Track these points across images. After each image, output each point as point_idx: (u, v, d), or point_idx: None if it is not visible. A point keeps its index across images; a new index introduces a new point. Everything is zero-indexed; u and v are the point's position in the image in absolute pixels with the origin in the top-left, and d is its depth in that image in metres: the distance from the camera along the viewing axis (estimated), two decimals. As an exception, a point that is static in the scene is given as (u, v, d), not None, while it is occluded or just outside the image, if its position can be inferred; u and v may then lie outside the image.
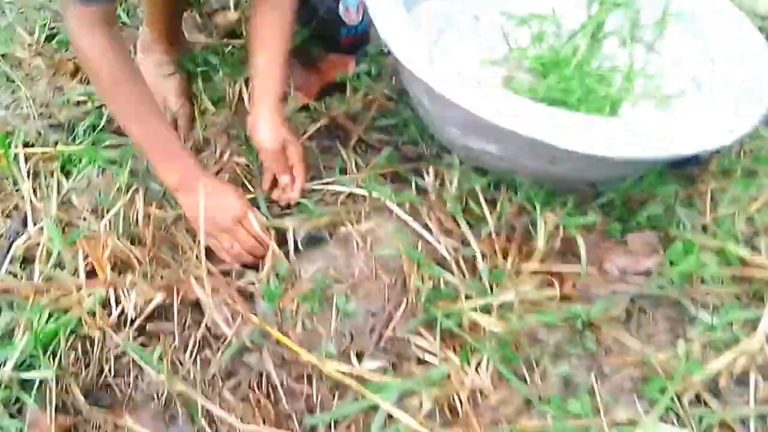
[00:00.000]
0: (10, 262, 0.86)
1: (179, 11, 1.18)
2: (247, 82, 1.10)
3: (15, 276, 0.84)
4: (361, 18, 1.26)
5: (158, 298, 0.79)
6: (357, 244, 0.90)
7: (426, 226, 0.92)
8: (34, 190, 0.94)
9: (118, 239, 0.87)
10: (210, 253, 0.88)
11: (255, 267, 0.89)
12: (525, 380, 0.77)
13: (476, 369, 0.77)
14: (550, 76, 1.17)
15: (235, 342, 0.79)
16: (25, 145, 1.01)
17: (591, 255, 0.90)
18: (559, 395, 0.74)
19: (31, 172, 0.96)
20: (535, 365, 0.78)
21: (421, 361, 0.81)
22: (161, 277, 0.85)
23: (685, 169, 0.99)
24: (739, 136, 0.82)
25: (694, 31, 1.09)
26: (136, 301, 0.78)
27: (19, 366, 0.71)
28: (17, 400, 0.71)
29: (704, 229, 0.92)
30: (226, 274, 0.87)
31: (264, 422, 0.74)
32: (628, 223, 0.92)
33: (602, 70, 1.18)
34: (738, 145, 1.05)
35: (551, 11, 1.24)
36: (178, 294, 0.81)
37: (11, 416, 0.70)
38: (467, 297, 0.84)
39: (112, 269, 0.82)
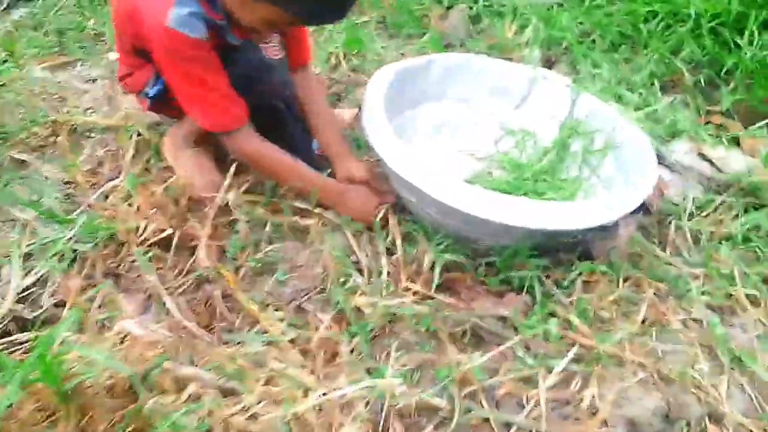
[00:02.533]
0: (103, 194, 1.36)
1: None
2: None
3: (103, 200, 1.34)
4: None
5: (169, 230, 1.23)
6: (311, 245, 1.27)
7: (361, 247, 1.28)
8: (133, 156, 1.46)
9: (163, 198, 1.33)
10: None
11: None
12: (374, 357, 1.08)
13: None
14: (512, 175, 1.50)
15: (203, 272, 1.19)
16: (138, 135, 1.54)
17: (468, 295, 1.19)
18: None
19: (137, 150, 1.48)
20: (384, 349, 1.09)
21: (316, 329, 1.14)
22: (179, 223, 1.29)
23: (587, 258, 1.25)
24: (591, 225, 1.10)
25: (621, 160, 1.37)
26: (156, 228, 1.22)
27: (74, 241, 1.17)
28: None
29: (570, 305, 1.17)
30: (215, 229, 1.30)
31: (198, 324, 1.11)
32: (506, 281, 1.20)
33: (556, 179, 1.48)
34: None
35: (535, 129, 1.58)
36: (182, 232, 1.24)
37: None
38: (363, 294, 1.17)
39: (151, 209, 1.28)
